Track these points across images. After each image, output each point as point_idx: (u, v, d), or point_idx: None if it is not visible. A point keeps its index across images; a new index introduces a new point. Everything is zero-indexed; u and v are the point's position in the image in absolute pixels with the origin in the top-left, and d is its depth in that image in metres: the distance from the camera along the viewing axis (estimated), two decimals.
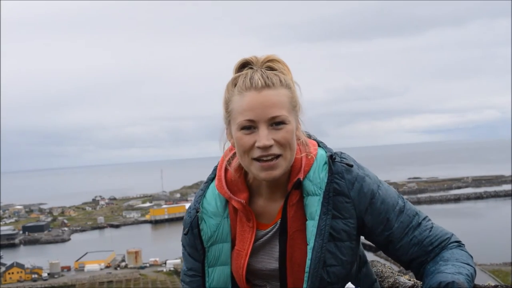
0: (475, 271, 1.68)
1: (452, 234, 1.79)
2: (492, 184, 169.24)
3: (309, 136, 1.84)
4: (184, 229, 1.88)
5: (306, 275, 1.68)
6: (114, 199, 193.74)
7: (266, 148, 1.62)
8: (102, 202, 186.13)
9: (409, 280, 2.21)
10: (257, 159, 1.65)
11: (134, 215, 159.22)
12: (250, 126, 1.64)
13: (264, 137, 1.62)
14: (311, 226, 1.69)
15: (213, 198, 1.83)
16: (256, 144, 1.63)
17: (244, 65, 1.71)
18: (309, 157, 1.76)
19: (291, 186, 1.71)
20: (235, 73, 1.71)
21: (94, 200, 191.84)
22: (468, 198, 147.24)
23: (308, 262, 1.68)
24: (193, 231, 1.83)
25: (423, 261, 1.74)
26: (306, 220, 1.72)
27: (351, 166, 1.74)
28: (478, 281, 1.74)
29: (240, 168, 1.79)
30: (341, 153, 1.79)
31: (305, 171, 1.73)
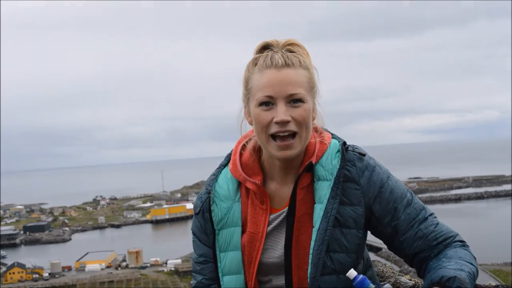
0: (477, 271, 1.69)
1: (457, 234, 1.81)
2: (493, 184, 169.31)
3: (326, 130, 1.89)
4: (195, 211, 1.90)
5: (310, 257, 1.69)
6: (115, 199, 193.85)
7: (283, 123, 1.66)
8: (102, 202, 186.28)
9: (410, 280, 2.22)
10: (274, 136, 1.69)
11: (135, 215, 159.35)
12: (268, 102, 1.68)
13: (282, 112, 1.66)
14: (319, 210, 1.71)
15: (225, 182, 1.85)
16: (275, 119, 1.67)
17: (265, 47, 1.75)
18: (324, 143, 1.80)
19: (303, 168, 1.75)
20: (256, 54, 1.76)
21: (95, 200, 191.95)
22: (468, 198, 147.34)
23: (312, 243, 1.70)
24: (204, 214, 1.84)
25: (426, 256, 1.75)
26: (315, 203, 1.74)
27: (364, 155, 1.79)
28: (478, 281, 1.74)
29: (254, 151, 1.84)
30: (354, 145, 1.84)
31: (318, 156, 1.77)
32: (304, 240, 1.73)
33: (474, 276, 1.66)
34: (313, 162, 1.75)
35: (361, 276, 1.56)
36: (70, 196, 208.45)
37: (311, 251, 1.69)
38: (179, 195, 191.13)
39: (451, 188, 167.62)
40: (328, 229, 1.68)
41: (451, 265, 1.65)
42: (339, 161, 1.75)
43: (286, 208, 1.77)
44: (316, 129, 1.84)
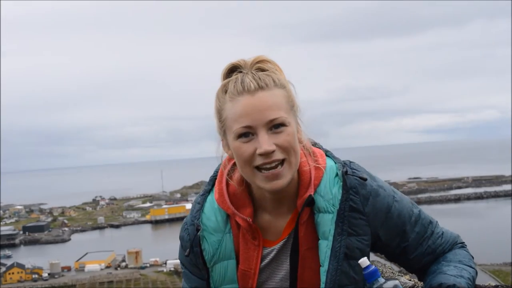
0: (476, 273, 1.67)
1: (458, 235, 1.78)
2: (492, 184, 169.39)
3: (314, 144, 1.73)
4: (183, 249, 1.73)
5: None
6: (114, 199, 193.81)
7: (268, 154, 1.51)
8: (102, 202, 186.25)
9: (410, 280, 2.19)
10: (260, 168, 1.54)
11: (135, 215, 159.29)
12: (248, 133, 1.52)
13: (264, 142, 1.50)
14: (325, 247, 1.58)
15: (212, 213, 1.69)
16: (257, 151, 1.51)
17: (232, 69, 1.60)
18: (319, 168, 1.65)
19: (302, 204, 1.59)
20: (224, 79, 1.60)
21: (94, 200, 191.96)
22: (468, 198, 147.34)
23: (322, 286, 1.58)
24: (194, 250, 1.69)
25: (431, 265, 1.72)
26: (317, 238, 1.61)
27: (365, 179, 1.63)
28: (478, 281, 1.73)
29: (242, 180, 1.67)
30: (350, 162, 1.68)
31: (315, 184, 1.62)
32: (309, 278, 1.62)
33: (473, 280, 1.63)
34: (312, 194, 1.60)
35: (373, 267, 1.50)
36: (70, 196, 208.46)
37: None
38: (178, 195, 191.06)
39: (451, 188, 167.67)
40: (339, 268, 1.56)
41: (451, 270, 1.60)
42: (340, 190, 1.60)
43: (281, 242, 1.65)
44: (305, 148, 1.66)
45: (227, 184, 1.69)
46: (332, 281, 1.56)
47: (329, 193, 1.60)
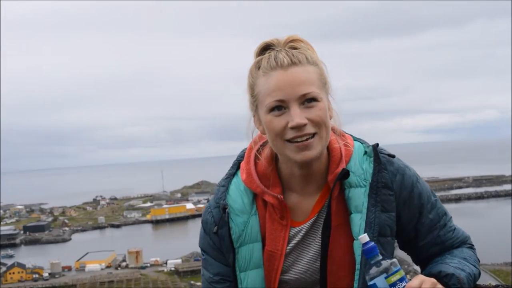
0: (479, 274, 1.66)
1: (469, 237, 1.78)
2: (493, 184, 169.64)
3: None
4: (207, 232, 1.72)
5: (357, 272, 1.57)
6: (115, 199, 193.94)
7: (300, 127, 1.52)
8: (102, 202, 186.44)
9: (410, 279, 2.15)
10: (291, 141, 1.55)
11: (135, 215, 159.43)
12: (280, 107, 1.54)
13: (297, 115, 1.51)
14: (358, 220, 1.58)
15: (238, 194, 1.69)
16: (289, 125, 1.52)
17: (266, 48, 1.61)
18: (348, 146, 1.67)
19: (337, 176, 1.60)
20: (257, 57, 1.62)
21: (95, 200, 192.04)
22: (468, 198, 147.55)
23: (358, 258, 1.57)
24: (219, 231, 1.67)
25: (436, 258, 1.71)
26: (347, 215, 1.61)
27: (393, 156, 1.67)
28: (478, 281, 1.73)
29: (271, 159, 1.68)
30: (377, 144, 1.70)
31: (346, 161, 1.64)
32: (338, 255, 1.61)
33: (474, 278, 1.62)
34: (345, 170, 1.60)
35: (372, 243, 1.49)
36: (70, 196, 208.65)
37: (357, 266, 1.57)
38: (179, 195, 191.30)
39: (451, 188, 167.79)
40: (375, 239, 1.55)
41: (453, 263, 1.61)
42: (372, 165, 1.62)
43: (310, 221, 1.64)
44: (334, 131, 1.69)
45: (255, 164, 1.70)
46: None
47: (359, 168, 1.62)
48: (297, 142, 1.54)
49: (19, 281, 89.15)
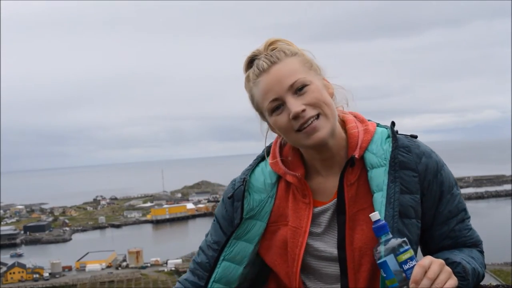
0: (483, 275, 1.67)
1: (482, 242, 1.78)
2: (493, 184, 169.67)
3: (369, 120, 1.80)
4: (224, 199, 1.82)
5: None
6: (115, 199, 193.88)
7: (299, 114, 1.58)
8: (103, 202, 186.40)
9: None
10: (300, 129, 1.61)
11: (135, 215, 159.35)
12: (278, 106, 1.62)
13: (292, 105, 1.59)
14: (380, 197, 1.60)
15: (261, 175, 1.78)
16: (290, 116, 1.59)
17: (251, 61, 1.71)
18: (368, 131, 1.71)
19: (345, 164, 1.66)
20: (245, 72, 1.72)
21: (95, 200, 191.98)
22: (469, 198, 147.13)
23: None
24: (234, 202, 1.77)
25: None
26: (371, 197, 1.63)
27: (416, 137, 1.71)
28: None
29: (294, 148, 1.77)
30: (393, 123, 1.74)
31: (363, 147, 1.67)
32: (360, 240, 1.61)
33: (478, 276, 1.63)
34: (357, 155, 1.65)
35: (383, 221, 1.50)
36: (70, 196, 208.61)
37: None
38: (179, 195, 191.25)
39: None
40: (395, 215, 1.56)
41: (461, 256, 1.62)
42: (391, 144, 1.65)
43: (334, 201, 1.67)
44: (356, 117, 1.75)
45: (280, 149, 1.79)
46: (390, 227, 1.53)
47: (380, 150, 1.65)
48: (305, 128, 1.59)
49: (20, 281, 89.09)
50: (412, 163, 1.64)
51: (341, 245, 1.64)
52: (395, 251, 1.45)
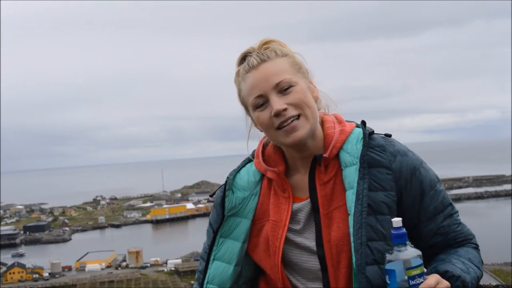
0: (481, 275, 1.69)
1: (474, 236, 1.79)
2: (493, 184, 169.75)
3: (350, 122, 1.84)
4: (215, 202, 1.87)
5: (352, 245, 1.60)
6: (115, 199, 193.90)
7: (280, 112, 1.64)
8: (103, 202, 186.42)
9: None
10: (280, 127, 1.67)
11: (135, 215, 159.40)
12: (262, 102, 1.68)
13: (276, 103, 1.65)
14: (351, 195, 1.65)
15: (246, 174, 1.86)
16: (272, 113, 1.65)
17: (244, 57, 1.78)
18: (344, 132, 1.75)
19: (311, 161, 1.72)
20: (238, 67, 1.79)
21: (95, 200, 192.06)
22: (469, 198, 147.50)
23: (350, 230, 1.61)
24: (218, 199, 1.84)
25: (438, 253, 1.72)
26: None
27: (390, 136, 1.75)
28: None
29: (277, 146, 1.83)
30: (363, 122, 1.79)
31: (337, 147, 1.72)
32: (337, 237, 1.65)
33: (477, 281, 1.66)
34: (326, 155, 1.70)
35: (404, 230, 1.46)
36: (70, 196, 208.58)
37: (352, 238, 1.60)
38: (179, 195, 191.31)
39: (451, 188, 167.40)
40: (364, 211, 1.60)
41: (459, 264, 1.62)
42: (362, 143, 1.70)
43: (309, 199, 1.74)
44: (337, 118, 1.81)
45: (264, 148, 1.87)
46: (358, 223, 1.59)
47: (354, 149, 1.70)
48: (285, 126, 1.66)
49: (19, 281, 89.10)
50: (386, 161, 1.68)
51: (319, 242, 1.68)
52: (408, 264, 1.42)
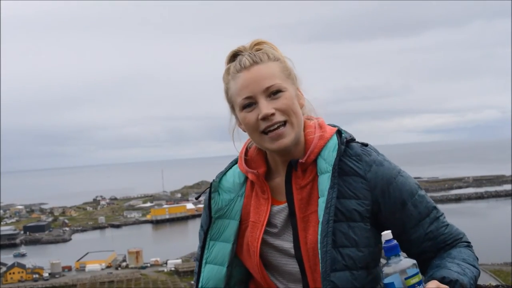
0: (479, 273, 1.68)
1: (464, 234, 1.79)
2: (493, 184, 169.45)
3: (333, 125, 1.85)
4: (204, 205, 1.88)
5: (319, 252, 1.62)
6: (115, 199, 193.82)
7: (268, 117, 1.66)
8: (103, 202, 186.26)
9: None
10: (265, 131, 1.68)
11: (135, 215, 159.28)
12: (250, 104, 1.69)
13: (264, 107, 1.66)
14: (322, 203, 1.66)
15: (232, 175, 1.87)
16: (259, 116, 1.67)
17: (235, 55, 1.77)
18: (323, 138, 1.76)
19: (287, 165, 1.74)
20: (227, 64, 1.79)
21: (95, 200, 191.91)
22: (469, 198, 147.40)
23: (318, 237, 1.63)
24: (206, 201, 1.85)
25: (431, 257, 1.72)
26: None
27: (366, 145, 1.76)
28: (478, 281, 1.74)
29: (260, 148, 1.84)
30: (339, 131, 1.79)
31: (315, 152, 1.72)
32: (313, 241, 1.67)
33: (475, 280, 1.65)
34: (303, 160, 1.71)
35: (395, 242, 1.48)
36: (70, 196, 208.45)
37: (319, 245, 1.62)
38: (179, 195, 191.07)
39: (451, 188, 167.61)
40: (330, 219, 1.61)
41: (454, 267, 1.62)
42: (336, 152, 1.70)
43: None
44: (319, 123, 1.81)
45: (247, 151, 1.87)
46: (324, 231, 1.60)
47: (330, 156, 1.71)
48: (271, 131, 1.67)
49: (19, 281, 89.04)
50: (361, 171, 1.68)
51: (296, 245, 1.70)
52: (405, 274, 1.43)
